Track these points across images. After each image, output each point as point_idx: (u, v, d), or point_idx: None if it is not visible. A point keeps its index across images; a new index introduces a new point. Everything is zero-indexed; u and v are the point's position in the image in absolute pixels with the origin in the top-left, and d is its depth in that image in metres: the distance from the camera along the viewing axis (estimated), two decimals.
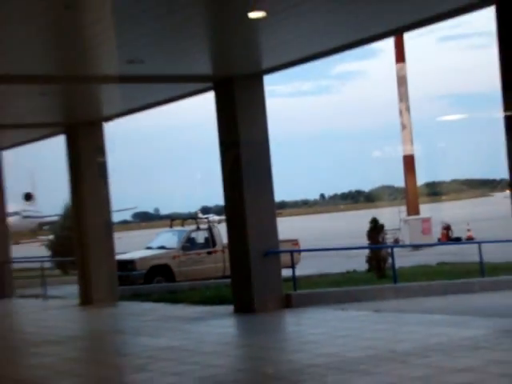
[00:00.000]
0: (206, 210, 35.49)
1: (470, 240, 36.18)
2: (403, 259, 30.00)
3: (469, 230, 42.97)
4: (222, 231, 29.64)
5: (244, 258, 19.55)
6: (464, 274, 26.01)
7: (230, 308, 20.14)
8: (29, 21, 13.75)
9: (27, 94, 20.68)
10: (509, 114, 13.57)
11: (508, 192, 14.93)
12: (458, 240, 41.80)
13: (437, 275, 27.12)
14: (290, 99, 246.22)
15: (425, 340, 13.80)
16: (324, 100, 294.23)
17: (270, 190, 20.19)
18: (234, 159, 19.46)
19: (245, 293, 19.66)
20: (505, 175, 14.45)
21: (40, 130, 27.35)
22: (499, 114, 13.80)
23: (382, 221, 31.69)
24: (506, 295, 16.72)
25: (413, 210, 57.89)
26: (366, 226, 30.95)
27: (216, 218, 34.12)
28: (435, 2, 14.63)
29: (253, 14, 13.93)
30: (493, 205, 47.08)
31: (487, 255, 25.81)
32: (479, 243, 27.52)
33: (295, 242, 30.93)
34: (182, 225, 37.58)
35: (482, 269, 25.50)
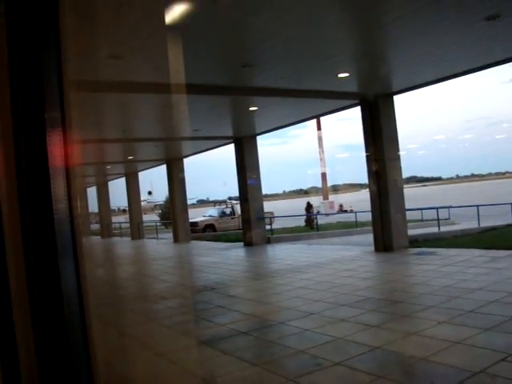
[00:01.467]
0: (230, 198, 35.05)
1: (351, 211, 36.60)
2: (321, 221, 29.19)
3: (351, 207, 42.51)
4: (237, 208, 28.18)
5: (248, 220, 19.26)
6: (348, 227, 25.42)
7: (241, 244, 19.63)
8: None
9: (149, 146, 20.50)
10: (367, 154, 13.85)
11: (367, 189, 15.45)
12: (346, 211, 41.80)
13: (336, 228, 26.38)
14: (270, 147, 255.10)
15: (330, 257, 13.79)
16: (285, 148, 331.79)
17: (260, 188, 19.61)
18: (243, 175, 19.15)
19: (248, 236, 19.23)
20: (365, 181, 14.96)
21: (154, 162, 26.50)
22: (363, 154, 14.04)
23: (312, 203, 30.77)
24: (367, 236, 16.29)
25: (325, 197, 58.83)
26: (304, 205, 30.46)
27: (234, 201, 33.60)
28: (331, 105, 14.58)
29: (251, 108, 14.00)
30: (361, 195, 47.13)
31: (359, 218, 25.54)
32: (355, 212, 27.57)
33: (272, 212, 28.83)
34: (220, 205, 36.28)
35: (357, 224, 25.37)
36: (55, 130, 1.09)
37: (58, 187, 1.07)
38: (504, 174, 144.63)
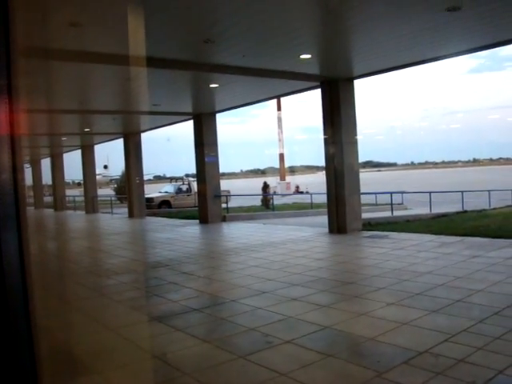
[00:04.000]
0: (187, 175, 34.38)
1: (307, 193, 36.66)
2: (277, 201, 29.23)
3: (307, 188, 42.84)
4: (194, 185, 28.04)
5: (204, 198, 19.14)
6: (304, 208, 25.45)
7: (197, 221, 19.48)
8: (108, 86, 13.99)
9: (106, 119, 19.66)
10: (325, 137, 13.92)
11: (324, 172, 15.51)
12: (302, 193, 41.72)
13: (292, 208, 26.49)
14: (229, 125, 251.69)
15: (285, 237, 13.78)
16: (244, 127, 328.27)
17: (217, 166, 19.52)
18: (201, 152, 18.96)
19: (204, 214, 19.12)
20: (323, 163, 15.05)
21: (111, 136, 25.92)
22: (322, 137, 14.07)
23: (268, 183, 30.93)
24: (321, 218, 16.21)
25: (283, 178, 58.50)
26: (261, 185, 30.35)
27: (191, 179, 33.13)
28: (292, 86, 14.44)
29: (212, 85, 13.99)
30: (318, 177, 47.15)
31: (315, 200, 25.51)
32: (311, 194, 27.69)
33: (228, 191, 28.85)
34: (176, 182, 36.33)
35: (312, 206, 25.31)
36: (0, 98, 1.04)
37: (2, 157, 1.03)
38: (456, 162, 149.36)
